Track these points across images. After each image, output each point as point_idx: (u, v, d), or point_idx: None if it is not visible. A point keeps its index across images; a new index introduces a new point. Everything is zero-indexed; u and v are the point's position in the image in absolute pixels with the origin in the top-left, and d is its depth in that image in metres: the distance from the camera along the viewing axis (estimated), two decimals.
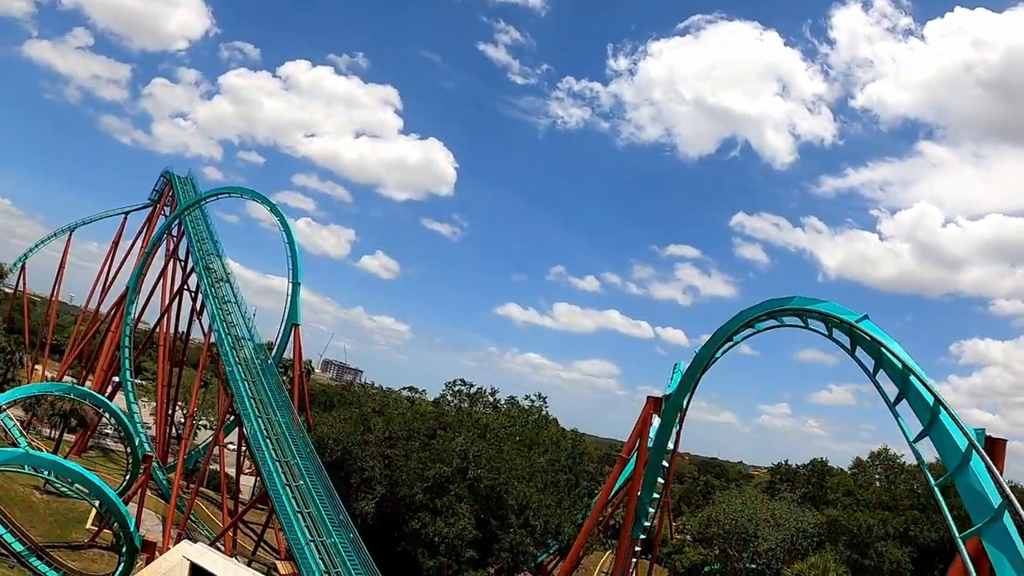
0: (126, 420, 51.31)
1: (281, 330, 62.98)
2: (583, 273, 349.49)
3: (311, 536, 41.87)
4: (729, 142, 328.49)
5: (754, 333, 35.67)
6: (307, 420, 59.52)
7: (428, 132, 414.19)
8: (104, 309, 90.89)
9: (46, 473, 35.93)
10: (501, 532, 52.40)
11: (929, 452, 18.94)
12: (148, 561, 37.74)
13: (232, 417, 58.21)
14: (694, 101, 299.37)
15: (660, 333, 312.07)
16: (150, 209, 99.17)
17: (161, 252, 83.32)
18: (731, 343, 37.13)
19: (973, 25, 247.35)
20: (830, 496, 78.95)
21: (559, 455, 66.51)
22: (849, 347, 24.75)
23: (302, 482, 46.40)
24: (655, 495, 42.52)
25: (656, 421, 42.60)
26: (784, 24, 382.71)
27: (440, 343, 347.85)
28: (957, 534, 15.74)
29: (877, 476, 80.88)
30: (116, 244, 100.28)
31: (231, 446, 68.75)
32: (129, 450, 53.30)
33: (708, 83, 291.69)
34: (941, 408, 18.05)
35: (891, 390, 21.08)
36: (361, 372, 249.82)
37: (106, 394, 71.50)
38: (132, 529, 37.52)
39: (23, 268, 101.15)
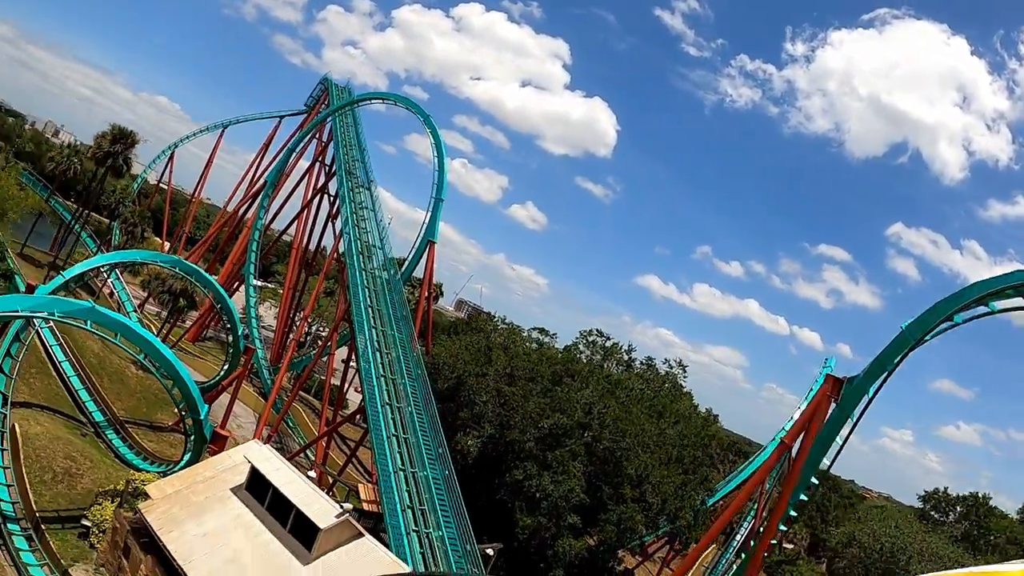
0: (231, 304, 46.94)
1: (416, 245, 58.08)
2: (728, 257, 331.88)
3: (401, 464, 35.67)
4: (899, 147, 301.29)
5: (982, 315, 29.16)
6: (426, 344, 54.06)
7: (593, 91, 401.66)
8: (244, 212, 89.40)
9: (114, 336, 31.22)
10: (611, 502, 45.01)
11: None
12: (213, 454, 32.76)
13: (348, 327, 54.34)
14: (869, 98, 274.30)
15: (796, 332, 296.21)
16: (304, 116, 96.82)
17: (309, 155, 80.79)
18: (950, 324, 29.41)
19: None
20: (994, 539, 66.34)
21: (690, 430, 57.58)
22: None
23: (405, 405, 40.31)
24: (803, 496, 33.93)
25: (831, 407, 33.61)
26: (974, 32, 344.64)
27: (575, 302, 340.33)
28: None
29: None
30: (266, 147, 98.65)
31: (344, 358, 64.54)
32: (231, 339, 49.15)
33: (886, 82, 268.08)
34: None
35: None
36: (493, 317, 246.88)
37: (232, 291, 68.99)
38: (202, 417, 32.51)
39: (171, 157, 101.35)
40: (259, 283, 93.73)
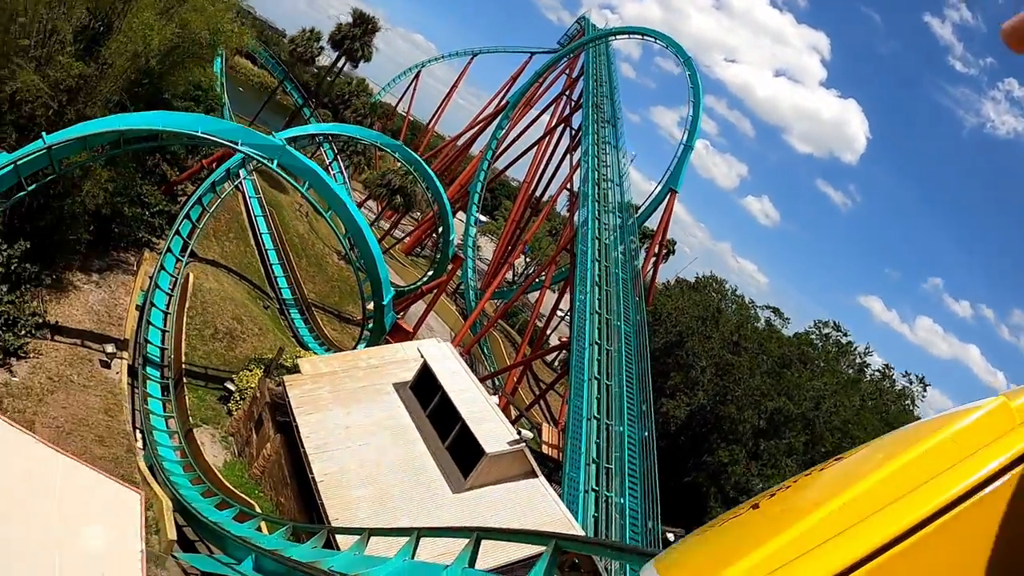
0: (446, 203, 41.86)
1: (655, 192, 50.95)
2: (959, 295, 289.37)
3: (595, 412, 28.71)
4: None
5: None
6: (648, 294, 46.72)
7: (849, 92, 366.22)
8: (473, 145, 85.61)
9: (303, 184, 26.57)
10: None
11: None
12: (386, 343, 27.55)
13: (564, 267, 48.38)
14: None
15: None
16: (555, 55, 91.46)
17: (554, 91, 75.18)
18: None
19: None
20: None
21: None
22: None
23: (613, 350, 33.29)
24: None
25: None
26: None
27: (790, 306, 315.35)
28: None
29: None
30: (513, 80, 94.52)
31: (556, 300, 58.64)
32: (441, 243, 44.29)
33: None
34: None
35: None
36: (724, 283, 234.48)
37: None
38: (385, 302, 27.30)
39: (417, 76, 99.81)
40: (482, 218, 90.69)
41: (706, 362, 42.88)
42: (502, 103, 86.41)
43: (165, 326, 25.97)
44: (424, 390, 22.48)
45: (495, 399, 25.06)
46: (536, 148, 75.17)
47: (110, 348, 22.68)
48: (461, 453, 20.38)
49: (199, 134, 24.03)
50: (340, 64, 60.98)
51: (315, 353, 29.59)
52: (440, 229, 45.52)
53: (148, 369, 23.86)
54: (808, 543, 1.03)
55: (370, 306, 30.55)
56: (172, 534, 15.71)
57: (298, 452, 19.65)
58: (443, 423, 21.23)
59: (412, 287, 44.73)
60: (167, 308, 26.62)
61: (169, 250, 27.47)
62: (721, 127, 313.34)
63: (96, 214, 27.01)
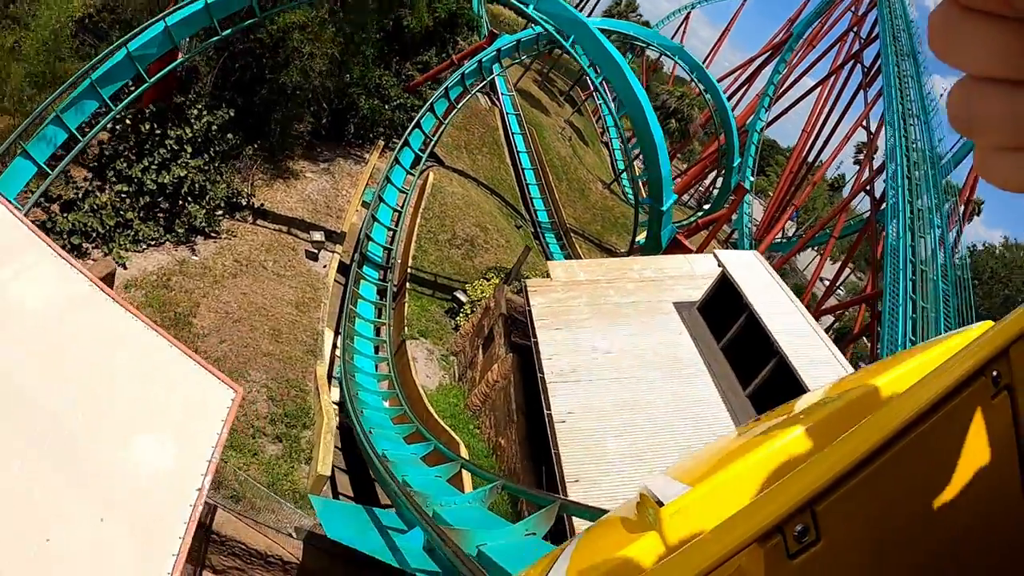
0: (731, 118, 33.85)
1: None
2: None
3: None
4: None
5: None
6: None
7: None
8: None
9: (598, 78, 20.32)
10: None
11: None
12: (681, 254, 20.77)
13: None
14: None
15: None
16: None
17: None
18: None
19: None
20: None
21: None
22: None
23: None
24: None
25: None
26: None
27: None
28: None
29: None
30: (791, 21, 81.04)
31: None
32: (724, 169, 36.46)
33: None
34: None
35: None
36: None
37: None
38: (664, 207, 20.42)
39: (687, 18, 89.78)
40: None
41: None
42: (778, 40, 74.50)
43: (393, 224, 21.25)
44: (719, 312, 15.34)
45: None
46: (820, 88, 63.00)
47: (318, 236, 18.18)
48: (772, 404, 13.00)
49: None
50: None
51: None
52: (723, 162, 37.70)
53: (365, 268, 19.15)
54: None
55: (640, 237, 24.03)
56: (325, 467, 10.31)
57: (533, 380, 13.54)
58: (746, 359, 14.05)
59: (687, 220, 37.33)
60: (398, 206, 21.90)
61: (407, 144, 22.70)
62: None
63: (327, 101, 23.04)
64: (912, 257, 27.84)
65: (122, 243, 15.89)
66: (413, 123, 23.33)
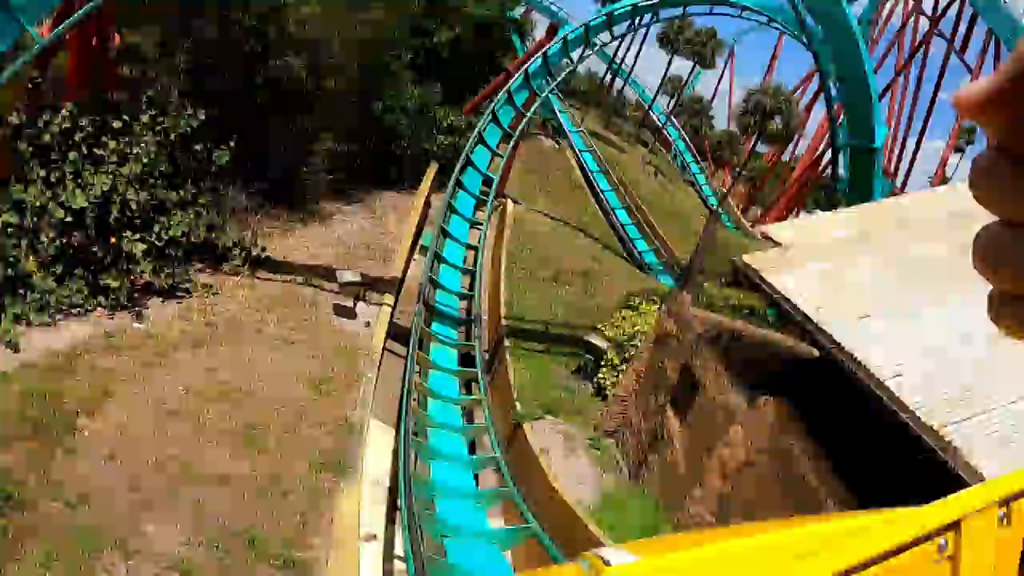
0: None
1: None
2: None
3: None
4: None
5: None
6: None
7: None
8: None
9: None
10: None
11: None
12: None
13: None
14: None
15: None
16: None
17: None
18: None
19: None
20: None
21: None
22: None
23: None
24: None
25: None
26: None
27: None
28: None
29: None
30: None
31: None
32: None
33: None
34: None
35: None
36: None
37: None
38: (877, 144, 12.98)
39: None
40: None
41: None
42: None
43: (468, 266, 14.10)
44: None
45: None
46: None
47: (349, 275, 11.18)
48: None
49: None
50: None
51: None
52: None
53: (434, 326, 11.93)
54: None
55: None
56: None
57: (837, 439, 5.78)
58: None
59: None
60: (469, 241, 14.80)
61: (470, 162, 15.82)
62: None
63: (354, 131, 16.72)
64: None
65: (24, 312, 9.24)
66: (468, 145, 16.44)
